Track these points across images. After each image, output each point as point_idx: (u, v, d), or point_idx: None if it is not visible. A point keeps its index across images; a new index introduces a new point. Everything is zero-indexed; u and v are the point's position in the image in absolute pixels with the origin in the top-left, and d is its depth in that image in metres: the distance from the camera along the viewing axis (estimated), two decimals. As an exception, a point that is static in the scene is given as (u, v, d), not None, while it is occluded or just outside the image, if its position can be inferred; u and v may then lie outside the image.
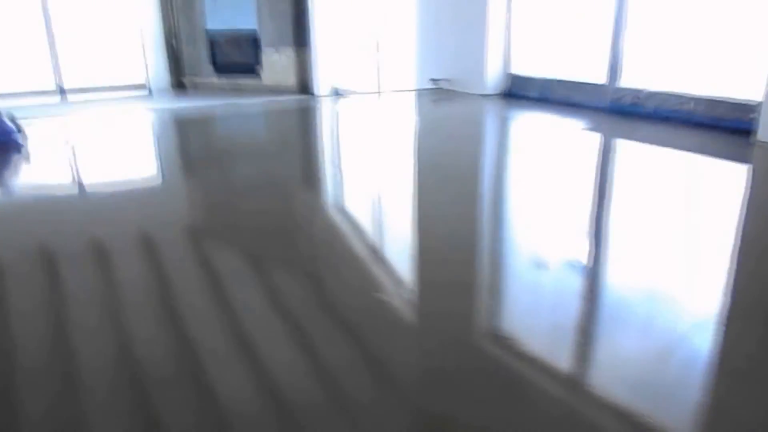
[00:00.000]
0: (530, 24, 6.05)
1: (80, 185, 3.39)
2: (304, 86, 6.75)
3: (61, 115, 5.50)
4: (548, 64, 5.91)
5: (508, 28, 6.16)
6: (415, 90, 6.86)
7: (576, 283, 1.96)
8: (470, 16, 6.30)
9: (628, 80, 5.07)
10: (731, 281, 1.98)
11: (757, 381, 1.39)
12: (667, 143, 4.09)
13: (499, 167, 3.77)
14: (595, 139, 4.43)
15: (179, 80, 7.16)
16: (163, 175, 3.69)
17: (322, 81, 6.56)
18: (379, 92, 6.81)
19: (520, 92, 6.18)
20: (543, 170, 3.52)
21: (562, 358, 1.51)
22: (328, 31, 6.48)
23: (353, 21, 6.71)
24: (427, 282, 2.03)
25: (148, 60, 7.01)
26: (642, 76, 4.98)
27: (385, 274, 2.11)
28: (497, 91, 6.36)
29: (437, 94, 6.57)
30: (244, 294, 1.87)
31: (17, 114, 4.41)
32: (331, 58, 6.54)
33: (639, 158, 3.83)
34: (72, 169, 3.77)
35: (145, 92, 6.92)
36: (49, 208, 2.87)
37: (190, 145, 4.73)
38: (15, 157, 3.95)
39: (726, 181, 3.31)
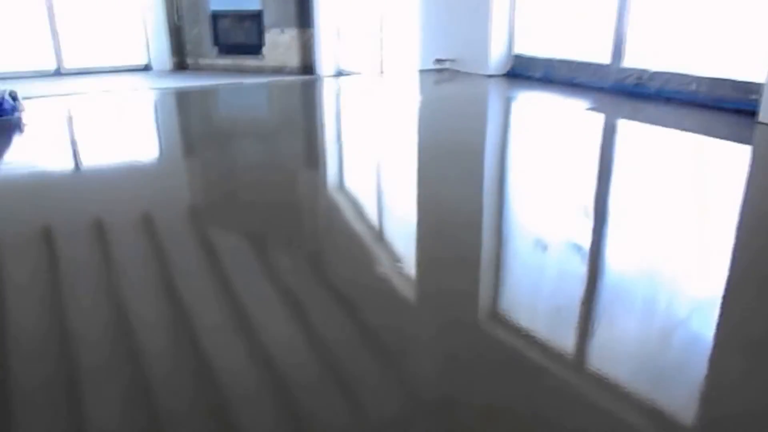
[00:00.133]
0: (534, 4, 6.01)
1: (80, 163, 3.42)
2: (308, 67, 6.73)
3: (62, 95, 5.51)
4: (552, 45, 5.89)
5: (512, 8, 6.12)
6: (418, 70, 6.84)
7: (578, 263, 1.99)
8: (474, -5, 6.27)
9: (632, 60, 5.06)
10: (734, 260, 2.01)
11: (764, 361, 1.42)
12: (670, 123, 4.10)
13: (502, 147, 3.79)
14: (598, 119, 4.43)
15: (182, 61, 7.14)
16: (165, 152, 3.71)
17: (325, 61, 6.54)
18: (382, 72, 6.79)
19: (524, 72, 6.16)
20: (545, 150, 3.54)
21: (566, 337, 1.54)
22: (332, 12, 6.45)
23: (357, 1, 6.67)
24: (429, 260, 2.07)
25: (151, 40, 6.99)
26: (645, 56, 4.97)
27: (387, 251, 2.14)
28: (501, 72, 6.34)
29: (441, 74, 6.56)
30: (244, 271, 1.91)
31: (18, 92, 4.43)
32: (334, 39, 6.52)
33: (642, 138, 3.84)
34: (72, 146, 3.79)
35: (147, 73, 6.91)
36: (48, 185, 2.90)
37: (191, 123, 4.74)
38: (16, 134, 3.98)
39: (728, 161, 3.32)
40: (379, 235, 2.33)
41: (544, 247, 2.10)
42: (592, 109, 4.64)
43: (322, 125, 4.66)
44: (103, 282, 1.82)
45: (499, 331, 1.59)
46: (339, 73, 6.58)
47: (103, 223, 2.33)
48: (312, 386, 1.29)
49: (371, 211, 2.60)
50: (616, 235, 2.24)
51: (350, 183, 3.02)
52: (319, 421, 1.18)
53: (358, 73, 6.59)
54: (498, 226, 2.40)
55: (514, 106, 5.18)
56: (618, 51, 5.13)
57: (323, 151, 3.84)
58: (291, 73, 6.72)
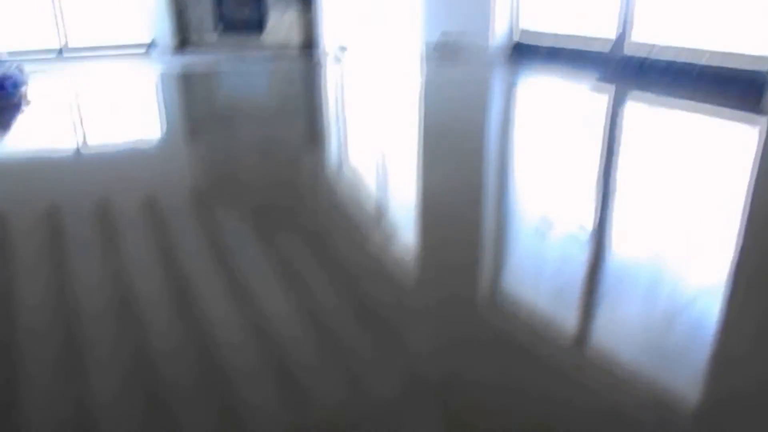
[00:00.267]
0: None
1: (83, 139, 3.41)
2: (310, 44, 6.67)
3: (65, 72, 5.49)
4: (558, 20, 5.79)
5: (517, -18, 6.02)
6: (422, 45, 6.75)
7: (581, 245, 1.97)
8: (479, -30, 6.16)
9: (640, 35, 4.97)
10: (742, 241, 1.98)
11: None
12: (678, 99, 4.04)
13: (505, 125, 3.74)
14: (605, 95, 4.37)
15: (183, 39, 7.09)
16: (167, 130, 3.70)
17: (328, 39, 6.47)
18: (385, 48, 6.72)
19: (530, 47, 6.07)
20: (549, 127, 3.49)
21: (571, 318, 1.53)
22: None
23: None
24: (431, 241, 2.05)
25: (153, 18, 6.93)
26: (654, 31, 4.87)
27: (387, 231, 2.13)
28: (506, 46, 6.25)
29: (445, 50, 6.47)
30: (246, 250, 1.90)
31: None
32: (337, 16, 6.45)
33: (648, 115, 3.78)
34: (75, 122, 3.78)
35: (149, 51, 6.87)
36: (52, 161, 2.90)
37: (194, 101, 4.72)
38: (20, 109, 3.98)
39: (738, 138, 3.27)
40: (381, 213, 2.31)
41: (548, 227, 2.07)
42: (598, 85, 4.57)
43: (325, 105, 4.63)
44: (107, 256, 1.82)
45: (497, 310, 1.58)
46: (342, 50, 6.52)
47: (107, 201, 2.33)
48: (308, 360, 1.29)
49: (373, 189, 2.58)
50: (621, 216, 2.21)
51: (353, 161, 3.00)
52: (317, 391, 1.18)
53: (361, 50, 6.52)
54: (499, 206, 2.37)
55: (519, 83, 5.12)
56: (625, 26, 5.03)
57: (323, 129, 3.81)
58: (293, 51, 6.66)
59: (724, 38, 4.38)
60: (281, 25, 6.72)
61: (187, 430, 1.12)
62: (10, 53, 5.50)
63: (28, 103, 4.14)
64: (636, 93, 4.39)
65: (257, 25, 6.80)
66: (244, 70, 5.81)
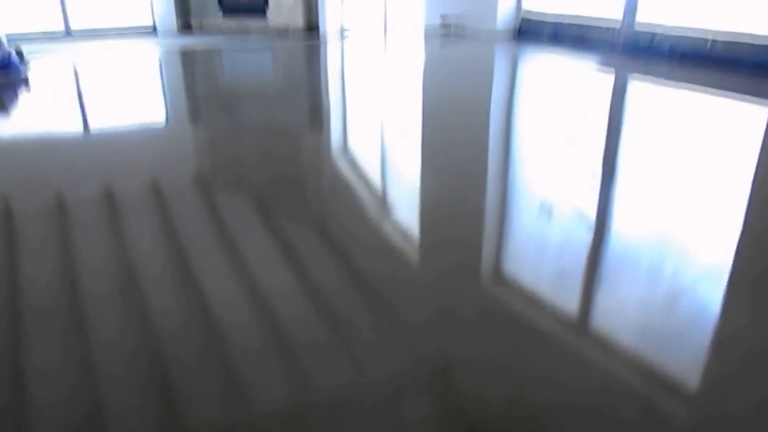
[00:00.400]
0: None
1: (85, 121, 3.41)
2: (312, 27, 6.63)
3: (67, 55, 5.47)
4: (561, 2, 5.74)
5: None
6: (424, 28, 6.71)
7: (584, 227, 1.97)
8: (483, -50, 6.10)
9: (644, 17, 4.92)
10: (746, 224, 1.98)
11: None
12: (683, 82, 4.01)
13: (509, 106, 3.73)
14: (608, 78, 4.34)
15: (186, 22, 7.06)
16: (170, 112, 3.70)
17: (330, 21, 6.44)
18: (387, 31, 6.68)
19: (533, 31, 6.03)
20: (553, 109, 3.48)
21: (572, 301, 1.54)
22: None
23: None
24: (434, 222, 2.06)
25: (156, 2, 6.90)
26: (658, 13, 4.83)
27: (390, 215, 2.14)
28: (509, 30, 6.20)
29: (447, 32, 6.43)
30: (248, 235, 1.91)
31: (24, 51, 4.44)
32: (339, -2, 6.41)
33: (653, 98, 3.76)
34: (77, 103, 3.78)
35: (152, 34, 6.84)
36: (52, 143, 2.90)
37: (196, 83, 4.70)
38: (20, 91, 3.99)
39: (743, 121, 3.25)
40: (384, 194, 2.32)
41: (550, 208, 2.07)
42: (602, 67, 4.54)
43: (329, 82, 4.61)
44: (111, 238, 1.83)
45: (499, 289, 1.58)
46: (343, 32, 6.48)
47: (111, 185, 2.34)
48: (312, 343, 1.30)
49: (376, 169, 2.58)
50: (624, 197, 2.21)
51: (356, 142, 3.00)
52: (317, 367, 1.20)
53: (363, 32, 6.48)
54: (503, 186, 2.37)
55: (522, 66, 5.09)
56: (630, 8, 4.99)
57: (325, 111, 3.80)
58: (295, 33, 6.63)
59: (731, 19, 4.34)
60: (283, 6, 6.68)
61: (188, 405, 1.14)
62: (15, 36, 5.50)
63: (29, 85, 4.14)
64: (641, 74, 4.36)
65: (259, 7, 6.76)
66: (246, 51, 5.78)
